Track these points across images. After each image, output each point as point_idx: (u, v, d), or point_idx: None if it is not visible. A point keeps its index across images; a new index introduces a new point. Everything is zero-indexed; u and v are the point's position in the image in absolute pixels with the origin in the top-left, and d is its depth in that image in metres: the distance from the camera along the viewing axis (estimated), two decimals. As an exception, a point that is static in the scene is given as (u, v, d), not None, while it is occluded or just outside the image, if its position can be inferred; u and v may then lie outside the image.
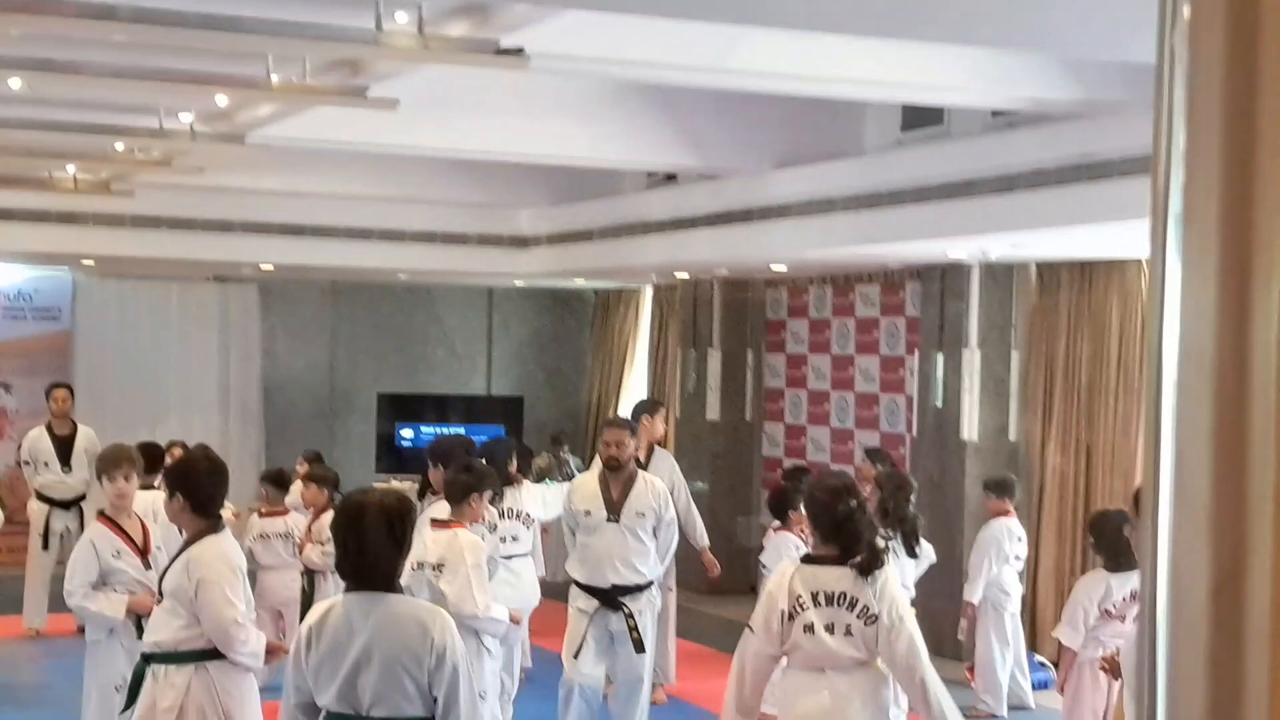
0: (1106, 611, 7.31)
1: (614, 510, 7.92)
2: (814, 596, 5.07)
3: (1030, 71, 7.15)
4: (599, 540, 7.92)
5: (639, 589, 7.93)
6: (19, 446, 12.29)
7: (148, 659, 5.50)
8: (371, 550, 4.20)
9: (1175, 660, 0.76)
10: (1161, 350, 0.82)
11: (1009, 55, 7.03)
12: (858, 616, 5.09)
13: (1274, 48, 0.78)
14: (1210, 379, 0.78)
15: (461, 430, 14.83)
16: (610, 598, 7.88)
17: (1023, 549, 9.36)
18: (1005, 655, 9.18)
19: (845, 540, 5.14)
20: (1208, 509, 0.78)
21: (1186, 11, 0.81)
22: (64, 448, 11.69)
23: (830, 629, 5.09)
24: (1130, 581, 7.31)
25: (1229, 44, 0.79)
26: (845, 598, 5.09)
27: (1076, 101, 7.40)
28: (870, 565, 5.11)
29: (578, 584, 8.02)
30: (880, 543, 5.45)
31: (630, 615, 7.83)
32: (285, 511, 9.80)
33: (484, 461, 7.93)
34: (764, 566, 10.06)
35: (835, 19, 4.97)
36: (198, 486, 5.56)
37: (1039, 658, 10.27)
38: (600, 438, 8.32)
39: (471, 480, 7.05)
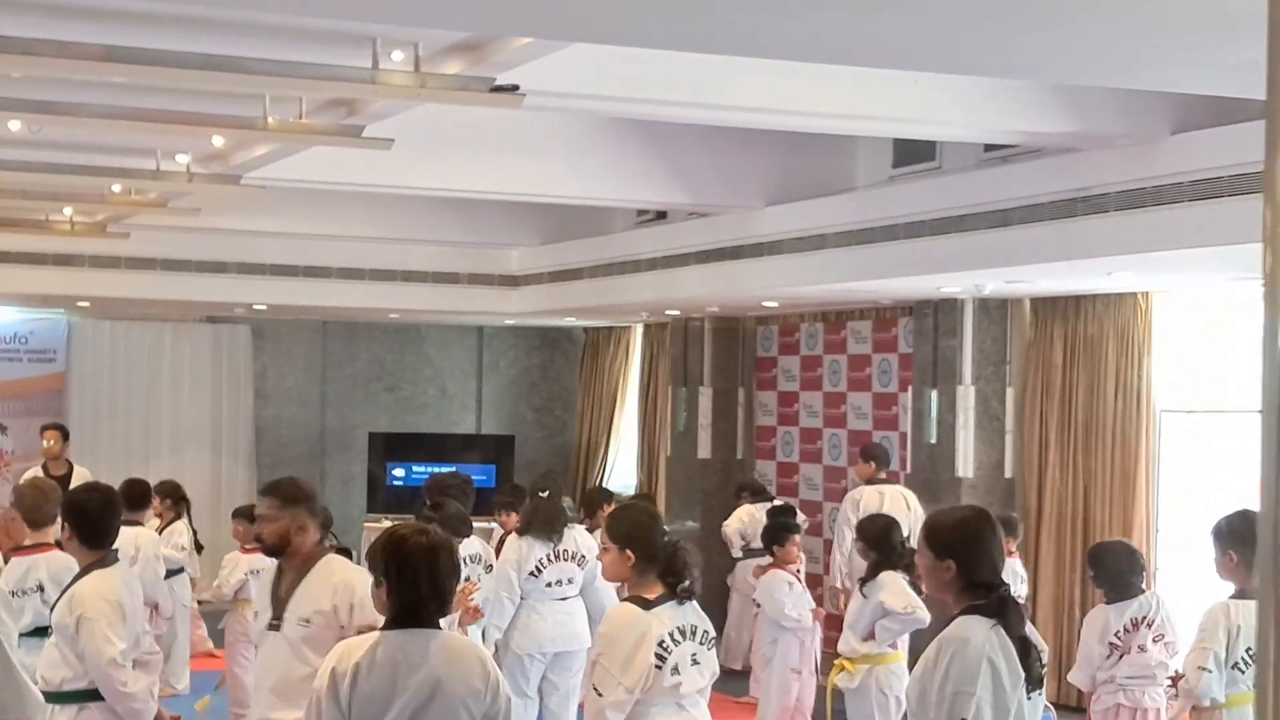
0: (1111, 644, 7.27)
1: (278, 612, 5.47)
2: (672, 636, 4.97)
3: (1022, 104, 7.19)
4: (259, 656, 5.67)
5: None
6: (14, 488, 12.28)
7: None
8: (423, 586, 4.09)
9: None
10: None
11: (1000, 88, 7.07)
12: (700, 642, 5.03)
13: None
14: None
15: (452, 470, 14.80)
16: None
17: (1024, 589, 9.30)
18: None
19: (675, 572, 5.03)
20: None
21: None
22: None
23: (692, 661, 5.00)
24: (1129, 610, 7.26)
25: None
26: (690, 628, 5.02)
27: (1069, 134, 7.43)
28: (691, 593, 5.03)
29: None
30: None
31: None
32: None
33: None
34: (756, 604, 10.04)
35: (825, 49, 4.98)
36: (87, 518, 5.44)
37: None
38: None
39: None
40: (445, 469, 15.04)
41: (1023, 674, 4.00)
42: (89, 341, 15.55)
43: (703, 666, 5.04)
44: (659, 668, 4.92)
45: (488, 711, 4.11)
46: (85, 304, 14.02)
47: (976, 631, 4.02)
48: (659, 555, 4.99)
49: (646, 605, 4.97)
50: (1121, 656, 7.25)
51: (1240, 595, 5.84)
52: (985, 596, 4.05)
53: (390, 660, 4.05)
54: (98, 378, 15.52)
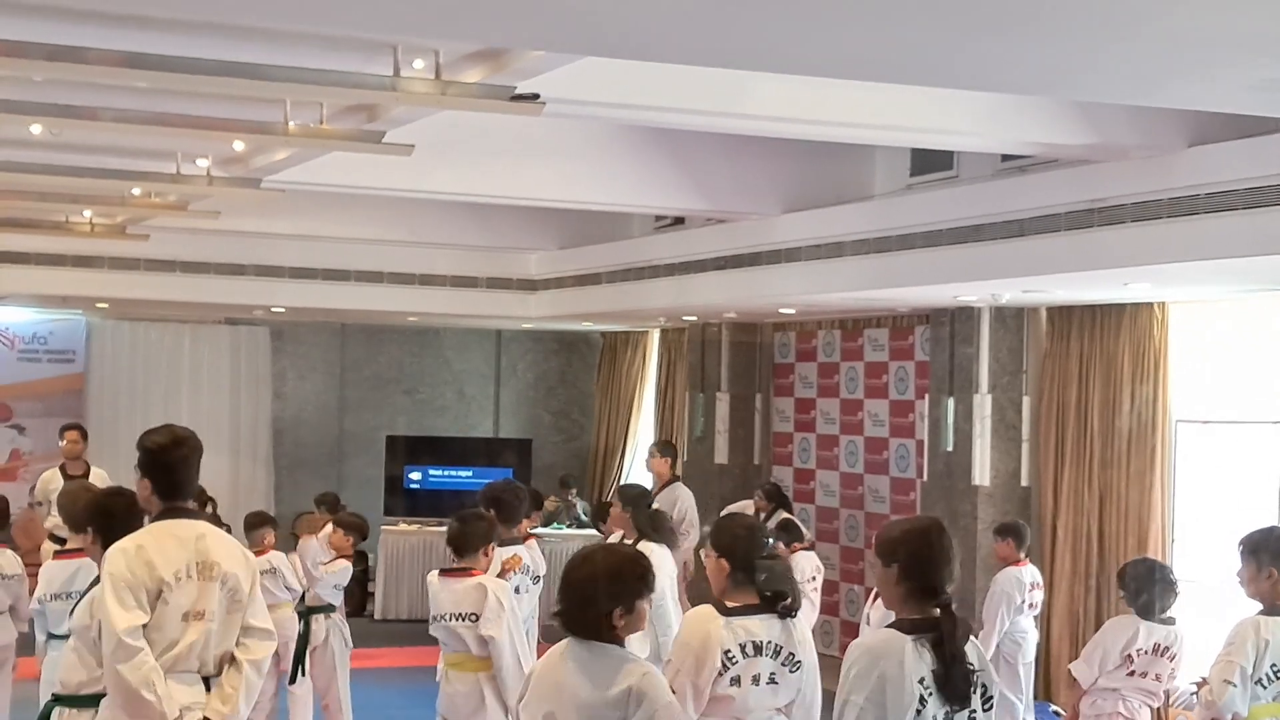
0: (1128, 656, 7.25)
1: None
2: (743, 648, 4.99)
3: (1040, 116, 7.19)
4: None
5: None
6: (32, 488, 12.35)
7: (56, 699, 5.34)
8: (582, 600, 4.27)
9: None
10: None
11: (1018, 99, 7.07)
12: (783, 664, 5.04)
13: None
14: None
15: (469, 473, 14.85)
16: None
17: (1039, 595, 9.26)
18: (1018, 705, 9.09)
19: (770, 585, 5.08)
20: None
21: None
22: (76, 490, 11.72)
23: (756, 680, 5.01)
24: (1157, 634, 7.25)
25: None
26: (772, 646, 5.03)
27: (1086, 146, 7.43)
28: (793, 609, 5.08)
29: None
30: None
31: None
32: (266, 550, 9.77)
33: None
34: None
35: (846, 65, 5.00)
36: (114, 522, 5.45)
37: (1053, 707, 10.17)
38: None
39: (488, 529, 7.03)
40: (463, 472, 15.15)
41: (930, 692, 3.95)
42: (108, 342, 15.65)
43: (779, 688, 5.04)
44: (719, 674, 4.97)
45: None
46: (104, 305, 14.09)
47: (883, 643, 4.04)
48: (753, 567, 5.09)
49: (724, 611, 5.06)
50: (1132, 674, 7.24)
51: (1270, 611, 5.81)
52: (924, 611, 4.05)
53: (550, 670, 4.30)
54: (116, 379, 15.61)
